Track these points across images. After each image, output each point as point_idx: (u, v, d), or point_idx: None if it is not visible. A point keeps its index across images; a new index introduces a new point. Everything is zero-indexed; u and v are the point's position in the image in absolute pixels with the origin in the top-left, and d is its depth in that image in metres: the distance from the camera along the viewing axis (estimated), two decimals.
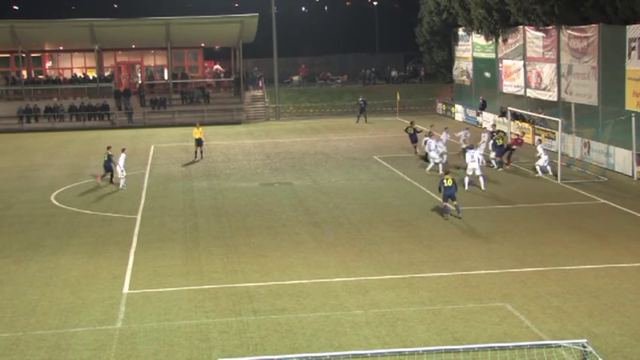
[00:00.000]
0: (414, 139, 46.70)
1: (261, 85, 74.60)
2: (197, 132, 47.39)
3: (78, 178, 40.93)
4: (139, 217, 32.64)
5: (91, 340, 19.47)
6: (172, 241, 28.64)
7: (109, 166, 38.97)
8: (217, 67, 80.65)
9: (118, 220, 32.28)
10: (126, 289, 23.29)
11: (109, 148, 39.63)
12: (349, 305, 21.39)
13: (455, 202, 30.73)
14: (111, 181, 38.98)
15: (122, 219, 32.36)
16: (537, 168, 38.78)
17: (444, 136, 43.39)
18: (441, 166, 39.21)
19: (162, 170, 43.77)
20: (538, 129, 46.87)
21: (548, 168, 38.74)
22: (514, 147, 41.85)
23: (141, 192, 37.74)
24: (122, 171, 38.41)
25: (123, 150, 39.54)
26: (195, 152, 47.17)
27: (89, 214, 33.27)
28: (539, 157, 39.01)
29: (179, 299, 22.27)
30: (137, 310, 21.52)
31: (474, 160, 36.01)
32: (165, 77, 73.43)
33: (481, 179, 35.81)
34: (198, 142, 47.21)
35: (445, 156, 40.49)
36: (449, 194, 30.55)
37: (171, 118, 66.35)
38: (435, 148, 40.01)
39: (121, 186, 38.20)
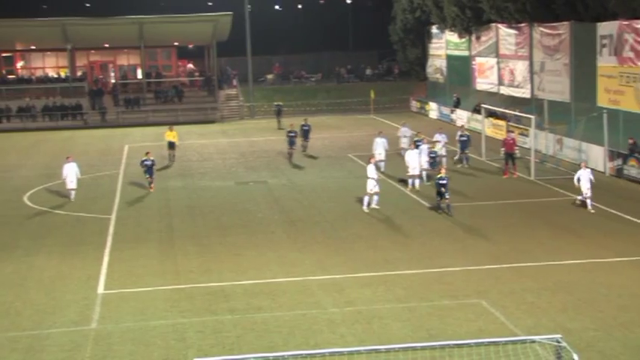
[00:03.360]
0: (292, 142, 44.42)
1: (235, 83, 74.44)
2: (170, 135, 45.22)
3: (51, 179, 40.58)
4: (113, 217, 32.46)
5: (65, 341, 19.34)
6: (147, 241, 28.51)
7: (151, 171, 37.18)
8: (190, 65, 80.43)
9: (93, 220, 32.07)
10: (101, 290, 23.16)
11: (147, 153, 37.69)
12: (325, 303, 21.40)
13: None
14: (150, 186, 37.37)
15: (96, 219, 32.16)
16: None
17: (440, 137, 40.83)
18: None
19: (137, 170, 43.37)
20: (511, 125, 47.11)
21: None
22: (513, 152, 38.24)
23: (115, 192, 37.52)
24: (72, 182, 35.24)
25: (68, 158, 36.41)
26: (169, 156, 45.16)
27: (63, 215, 33.04)
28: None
29: (155, 299, 22.18)
30: (112, 310, 21.41)
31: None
32: (139, 76, 73.05)
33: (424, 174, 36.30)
34: (171, 146, 45.06)
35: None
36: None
37: (145, 117, 66.01)
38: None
39: (72, 198, 35.49)
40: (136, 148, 51.80)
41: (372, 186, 31.82)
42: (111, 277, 24.36)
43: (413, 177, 35.40)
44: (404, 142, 42.59)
